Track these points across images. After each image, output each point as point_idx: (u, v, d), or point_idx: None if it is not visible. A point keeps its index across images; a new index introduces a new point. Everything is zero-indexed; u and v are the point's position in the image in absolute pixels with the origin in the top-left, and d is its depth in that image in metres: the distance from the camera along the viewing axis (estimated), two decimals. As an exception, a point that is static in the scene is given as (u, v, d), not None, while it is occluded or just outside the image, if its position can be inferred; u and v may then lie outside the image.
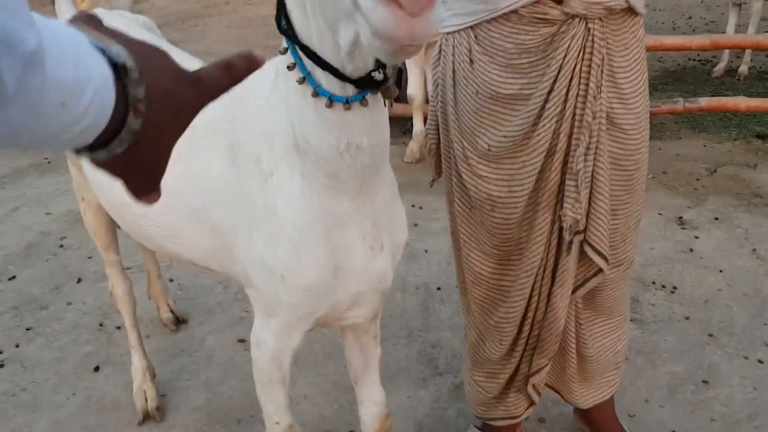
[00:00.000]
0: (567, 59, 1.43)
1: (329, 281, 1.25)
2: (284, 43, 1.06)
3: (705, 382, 2.31)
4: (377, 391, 1.59)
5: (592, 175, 1.50)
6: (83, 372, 2.35)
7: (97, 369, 2.36)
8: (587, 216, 1.51)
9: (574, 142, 1.48)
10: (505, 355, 1.76)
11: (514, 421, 1.87)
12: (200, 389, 2.27)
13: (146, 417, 2.11)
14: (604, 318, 1.78)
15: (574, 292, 1.63)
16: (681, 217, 3.43)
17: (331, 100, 1.02)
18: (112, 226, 2.03)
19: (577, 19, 1.40)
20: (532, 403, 1.83)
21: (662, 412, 2.18)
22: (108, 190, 1.56)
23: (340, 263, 1.24)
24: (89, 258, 3.09)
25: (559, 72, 1.44)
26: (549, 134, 1.49)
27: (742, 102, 4.22)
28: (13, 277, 2.94)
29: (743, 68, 5.88)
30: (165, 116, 0.56)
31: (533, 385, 1.76)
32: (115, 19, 1.77)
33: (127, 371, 2.29)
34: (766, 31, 6.83)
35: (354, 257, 1.25)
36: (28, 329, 2.58)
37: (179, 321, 2.59)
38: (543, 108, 1.46)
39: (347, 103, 1.03)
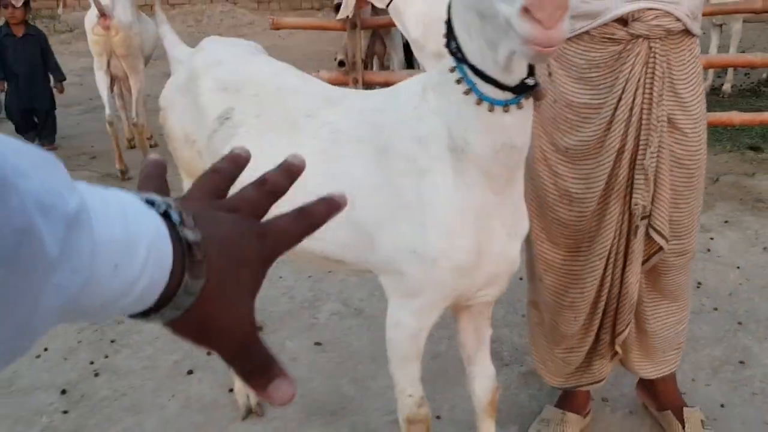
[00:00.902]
0: (632, 73, 1.69)
1: (474, 262, 1.46)
2: (451, 62, 1.30)
3: (741, 362, 2.55)
4: (489, 367, 1.80)
5: (656, 169, 1.76)
6: (177, 377, 2.52)
7: (190, 372, 2.53)
8: (651, 204, 1.77)
9: (642, 142, 1.74)
10: (582, 328, 1.99)
11: (600, 384, 2.11)
12: (290, 387, 2.46)
13: (249, 412, 2.29)
14: (669, 301, 2.01)
15: (643, 264, 1.87)
16: (695, 221, 3.72)
17: (493, 105, 1.26)
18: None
19: (641, 39, 1.67)
20: (612, 357, 2.07)
21: (709, 389, 2.42)
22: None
23: (483, 247, 1.46)
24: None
25: (626, 84, 1.70)
26: (619, 137, 1.75)
27: (736, 116, 4.58)
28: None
29: (727, 86, 6.29)
30: (228, 268, 0.51)
31: (619, 344, 1.99)
32: (228, 46, 1.99)
33: (218, 374, 2.47)
34: (742, 51, 7.30)
35: (494, 242, 1.47)
36: (112, 341, 2.75)
37: (258, 328, 2.76)
38: (613, 115, 1.73)
39: (506, 105, 1.26)
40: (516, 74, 1.24)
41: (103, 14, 4.33)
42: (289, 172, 0.61)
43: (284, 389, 0.53)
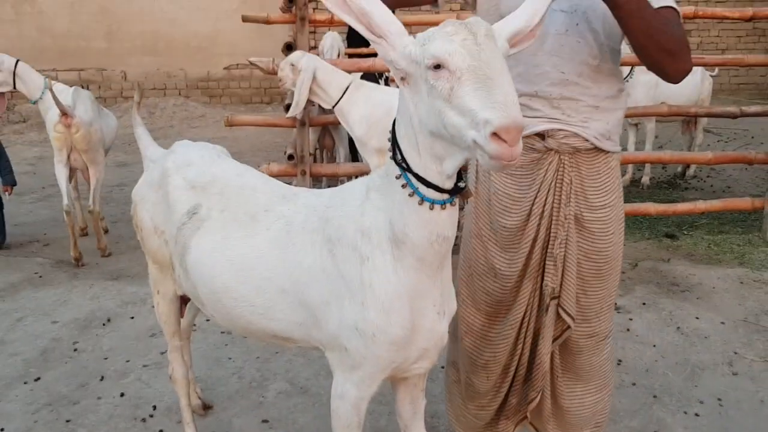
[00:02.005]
0: (545, 177, 2.01)
1: (408, 338, 1.70)
2: (395, 170, 1.56)
3: (656, 432, 2.83)
4: (423, 434, 2.02)
5: (564, 258, 2.05)
6: (130, 454, 2.63)
7: (143, 451, 2.65)
8: (560, 287, 2.05)
9: (552, 234, 2.04)
10: (493, 388, 2.22)
11: None
12: (239, 462, 2.60)
13: (201, 486, 2.42)
14: (584, 383, 2.22)
15: (553, 342, 2.12)
16: (616, 304, 4.06)
17: (433, 204, 1.53)
18: (179, 315, 2.42)
19: (553, 151, 1.99)
20: (519, 421, 2.27)
21: (626, 457, 2.67)
22: (210, 279, 1.98)
23: (416, 324, 1.70)
24: (105, 359, 3.38)
25: (540, 186, 2.02)
26: (534, 228, 2.05)
27: (652, 207, 5.06)
28: (38, 378, 3.19)
29: (645, 179, 6.88)
30: None
31: (530, 410, 2.20)
32: (197, 149, 2.25)
33: (170, 452, 2.60)
34: (659, 147, 7.99)
35: (425, 320, 1.71)
36: (67, 421, 2.84)
37: (206, 407, 2.91)
38: (531, 210, 2.04)
39: (443, 204, 1.54)
40: (452, 180, 1.53)
41: (64, 113, 4.57)
42: None
43: None
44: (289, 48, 4.63)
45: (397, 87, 1.54)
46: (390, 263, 1.64)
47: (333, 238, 1.74)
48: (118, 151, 9.07)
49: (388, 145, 1.60)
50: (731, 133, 9.65)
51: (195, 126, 10.17)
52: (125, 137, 9.83)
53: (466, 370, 2.27)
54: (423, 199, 1.53)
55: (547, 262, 2.06)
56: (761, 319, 3.88)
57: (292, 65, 4.23)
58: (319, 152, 6.15)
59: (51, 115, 4.66)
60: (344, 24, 5.10)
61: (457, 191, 1.55)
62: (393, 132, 1.57)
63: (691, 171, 7.50)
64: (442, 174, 1.49)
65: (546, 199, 2.03)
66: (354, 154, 5.96)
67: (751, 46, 12.79)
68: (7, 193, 5.14)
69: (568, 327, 2.10)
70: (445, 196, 1.54)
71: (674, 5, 1.85)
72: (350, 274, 1.69)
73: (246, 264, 1.90)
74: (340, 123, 4.78)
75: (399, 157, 1.54)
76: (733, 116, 5.18)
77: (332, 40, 5.94)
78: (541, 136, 1.99)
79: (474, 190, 2.17)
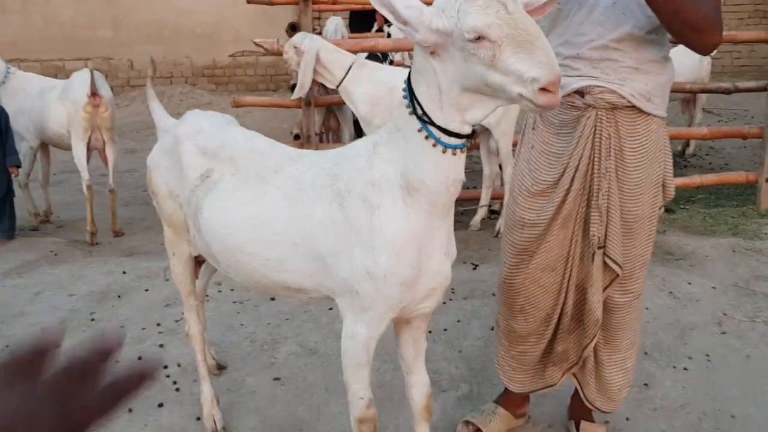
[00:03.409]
0: (584, 132, 2.16)
1: (416, 278, 1.86)
2: (411, 126, 1.71)
3: (646, 385, 2.96)
4: (424, 376, 2.17)
5: (608, 208, 2.18)
6: (149, 409, 2.79)
7: (161, 405, 2.82)
8: (605, 237, 2.19)
9: (595, 186, 2.17)
10: (535, 333, 2.38)
11: (553, 389, 2.51)
12: (252, 415, 2.77)
13: (216, 435, 2.59)
14: (616, 340, 2.36)
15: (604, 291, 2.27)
16: (611, 271, 4.21)
17: (455, 149, 1.70)
18: (194, 276, 2.58)
19: (590, 107, 2.13)
20: (567, 369, 2.43)
21: (617, 408, 2.82)
22: (223, 237, 2.14)
23: (423, 265, 1.86)
24: (121, 327, 3.55)
25: (578, 140, 2.17)
26: (569, 179, 2.20)
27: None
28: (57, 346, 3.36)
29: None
30: None
31: (585, 357, 2.37)
32: (207, 117, 2.41)
33: (186, 406, 2.77)
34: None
35: (433, 261, 1.87)
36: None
37: (220, 367, 3.08)
38: (567, 163, 2.20)
39: (461, 149, 1.71)
40: (470, 127, 1.70)
41: (94, 93, 4.79)
42: (101, 353, 0.59)
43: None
44: (293, 29, 4.78)
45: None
46: (401, 209, 1.79)
47: (342, 192, 1.89)
48: (127, 138, 9.24)
49: (398, 108, 1.77)
50: (731, 114, 9.74)
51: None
52: (134, 125, 10.03)
53: (505, 318, 2.45)
54: (445, 147, 1.69)
55: (592, 213, 2.19)
56: (751, 283, 4.02)
57: (296, 47, 4.37)
58: (325, 134, 6.29)
59: (74, 95, 4.86)
60: (347, 8, 5.22)
61: (470, 136, 1.73)
62: (411, 92, 1.72)
63: (690, 149, 7.61)
64: (465, 122, 1.68)
65: (583, 153, 2.17)
66: (359, 134, 6.10)
67: (752, 28, 12.82)
68: (13, 174, 5.14)
69: (617, 276, 2.23)
70: (462, 141, 1.71)
71: None
72: (360, 222, 1.84)
73: (258, 221, 2.05)
74: (344, 104, 4.93)
75: (420, 111, 1.70)
76: (727, 92, 5.30)
77: (336, 25, 6.08)
78: (580, 93, 2.13)
79: (517, 152, 2.39)
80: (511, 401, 2.62)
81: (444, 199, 1.79)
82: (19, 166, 5.15)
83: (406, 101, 1.73)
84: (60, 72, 11.02)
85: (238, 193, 2.12)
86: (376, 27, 7.64)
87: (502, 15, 1.49)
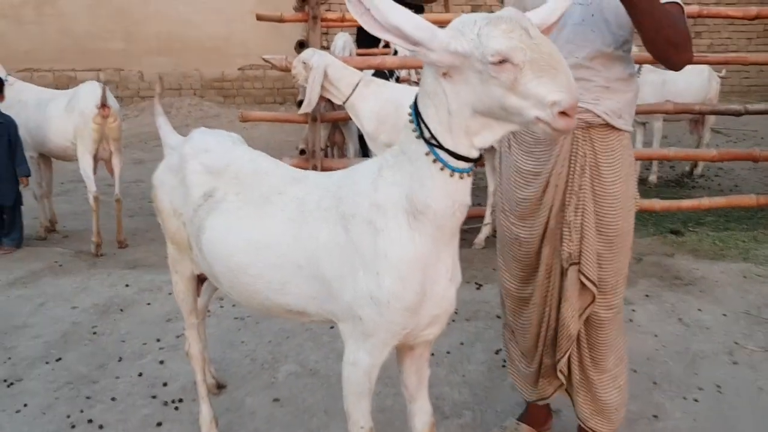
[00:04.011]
0: (561, 151, 2.18)
1: (420, 303, 1.81)
2: (418, 150, 1.69)
3: (655, 416, 2.90)
4: (427, 404, 2.12)
5: (581, 225, 2.19)
6: (147, 427, 2.75)
7: (159, 424, 2.77)
8: (579, 254, 2.19)
9: (567, 201, 2.20)
10: (532, 347, 2.41)
11: (545, 401, 2.52)
12: (251, 437, 2.72)
13: (214, 456, 2.54)
14: (605, 359, 2.34)
15: (580, 316, 2.26)
16: (619, 295, 4.14)
17: (462, 174, 1.67)
18: (195, 294, 2.54)
19: None
20: (559, 386, 2.43)
21: (625, 439, 2.76)
22: (226, 258, 2.10)
23: (428, 290, 1.81)
24: (123, 341, 3.51)
25: (556, 159, 2.19)
26: (551, 197, 2.22)
27: (657, 203, 5.14)
28: (59, 359, 3.33)
29: (652, 177, 6.96)
30: None
31: (560, 370, 2.36)
32: (213, 136, 2.38)
33: (185, 427, 2.73)
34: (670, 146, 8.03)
35: (438, 286, 1.83)
36: (87, 398, 2.97)
37: (220, 386, 3.04)
38: (548, 182, 2.21)
39: (468, 173, 1.69)
40: (478, 151, 1.67)
41: (104, 104, 4.80)
42: None
43: None
44: (301, 45, 4.77)
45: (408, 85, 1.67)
46: (406, 233, 1.76)
47: (347, 214, 1.85)
48: (135, 149, 9.25)
49: (404, 131, 1.74)
50: (740, 134, 9.68)
51: (210, 125, 10.11)
52: (142, 135, 10.04)
53: (511, 328, 2.50)
54: (453, 170, 1.66)
55: (563, 229, 2.22)
56: (763, 311, 3.95)
57: (304, 63, 4.36)
58: (330, 148, 6.28)
59: (82, 107, 4.87)
60: (355, 24, 5.21)
61: (476, 160, 1.70)
62: (418, 115, 1.69)
63: (698, 170, 7.56)
64: (473, 146, 1.65)
65: (562, 170, 2.19)
66: (364, 150, 6.09)
67: (762, 48, 12.80)
68: (23, 184, 5.16)
69: (593, 301, 2.24)
70: (470, 164, 1.68)
71: (679, 1, 2.03)
72: (365, 246, 1.80)
73: (262, 242, 2.02)
74: (349, 120, 4.91)
75: (428, 134, 1.67)
76: (737, 114, 5.25)
77: (344, 41, 6.07)
78: None
79: (498, 170, 2.42)
80: (535, 418, 2.62)
81: (450, 223, 1.75)
82: (28, 176, 5.17)
83: (413, 125, 1.70)
84: (72, 82, 11.06)
85: (242, 213, 2.09)
86: (383, 43, 7.63)
87: (525, 39, 1.49)
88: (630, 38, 2.15)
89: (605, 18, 2.07)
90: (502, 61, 1.49)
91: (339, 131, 5.87)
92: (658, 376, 3.22)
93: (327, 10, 4.87)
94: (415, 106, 1.71)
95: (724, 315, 3.90)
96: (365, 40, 7.23)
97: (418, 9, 7.70)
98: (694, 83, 6.71)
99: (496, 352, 3.34)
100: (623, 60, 2.17)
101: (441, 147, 1.65)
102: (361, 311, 1.84)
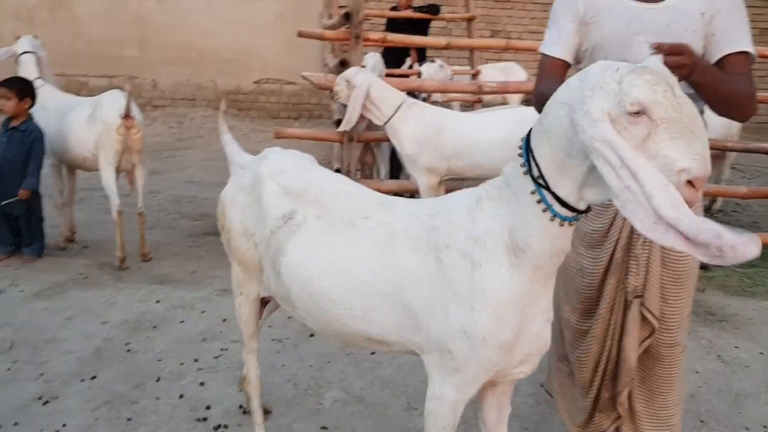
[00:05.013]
0: None
1: (515, 342, 1.77)
2: (525, 185, 1.64)
3: (706, 455, 2.87)
4: (507, 442, 2.07)
5: (648, 259, 2.16)
6: (195, 453, 2.68)
7: (206, 450, 2.70)
8: (644, 287, 2.16)
9: (635, 236, 2.16)
10: (588, 381, 2.36)
11: None
12: (302, 466, 2.65)
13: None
14: (662, 396, 2.30)
15: (640, 345, 2.22)
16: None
17: (564, 221, 1.61)
18: (258, 318, 2.48)
19: None
20: (616, 419, 2.38)
21: (679, 480, 2.70)
22: (307, 282, 2.04)
23: (523, 329, 1.77)
24: (159, 360, 3.43)
25: None
26: (617, 230, 2.20)
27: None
28: (94, 377, 3.24)
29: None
30: None
31: (620, 403, 2.30)
32: (289, 156, 2.32)
33: (233, 452, 2.65)
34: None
35: (533, 326, 1.79)
36: (128, 419, 2.89)
37: (266, 411, 2.95)
38: (616, 214, 2.19)
39: (572, 221, 1.63)
40: (586, 203, 1.61)
41: (128, 115, 4.71)
42: None
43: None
44: (342, 65, 4.74)
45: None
46: (506, 269, 1.71)
47: (440, 245, 1.80)
48: (148, 159, 9.14)
49: (511, 164, 1.70)
50: (754, 170, 9.73)
51: (222, 137, 10.30)
52: (154, 145, 9.96)
53: (570, 362, 2.44)
54: (555, 216, 1.61)
55: (630, 263, 2.19)
56: (799, 351, 3.92)
57: (347, 81, 4.33)
58: (360, 169, 6.25)
59: (105, 116, 4.78)
60: (396, 44, 5.17)
61: (583, 212, 1.63)
62: (528, 149, 1.64)
63: (717, 205, 7.55)
64: (582, 199, 1.59)
65: None
66: (393, 172, 6.06)
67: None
68: (21, 196, 4.84)
69: (654, 330, 2.20)
70: (574, 214, 1.62)
71: (750, 49, 2.05)
72: (459, 279, 1.75)
73: (346, 268, 1.96)
74: (382, 140, 4.87)
75: (537, 173, 1.62)
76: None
77: (374, 61, 6.05)
78: None
79: None
80: None
81: (547, 266, 1.72)
82: (32, 190, 4.92)
83: (522, 159, 1.66)
84: (83, 88, 11.00)
85: (325, 237, 2.04)
86: (408, 63, 7.64)
87: (669, 96, 1.42)
88: None
89: None
90: (639, 113, 1.41)
91: (370, 151, 5.84)
92: (704, 414, 3.18)
93: (368, 30, 4.83)
94: (527, 141, 1.67)
95: (761, 353, 3.86)
96: (390, 60, 7.22)
97: (433, 8, 7.70)
98: (717, 120, 6.70)
99: (541, 385, 3.28)
100: (694, 98, 2.15)
101: (548, 189, 1.60)
102: (452, 345, 1.79)
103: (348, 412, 3.03)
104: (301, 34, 4.66)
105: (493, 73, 7.58)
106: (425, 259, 1.84)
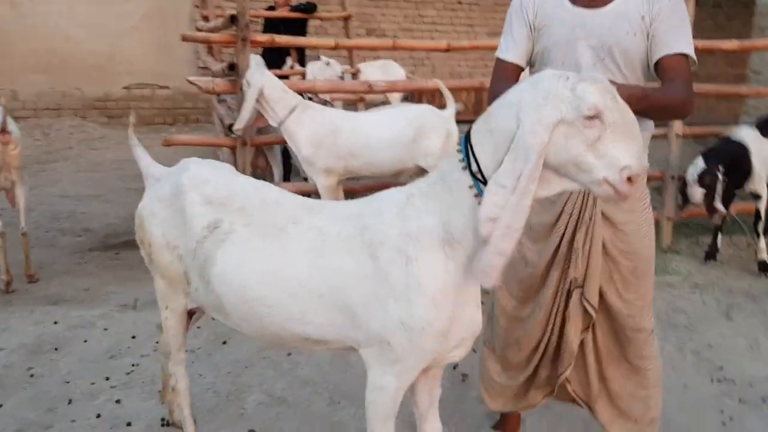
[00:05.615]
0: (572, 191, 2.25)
1: (449, 328, 1.89)
2: (462, 181, 1.76)
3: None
4: (438, 423, 2.19)
5: (589, 251, 2.33)
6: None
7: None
8: (584, 279, 2.35)
9: (578, 229, 2.34)
10: (524, 361, 2.54)
11: (533, 408, 2.67)
12: (236, 471, 2.67)
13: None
14: (639, 377, 2.47)
15: (582, 331, 2.42)
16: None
17: None
18: (185, 330, 2.47)
19: None
20: (548, 393, 2.58)
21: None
22: (240, 290, 2.08)
23: (457, 315, 1.90)
24: (67, 382, 3.30)
25: (569, 195, 2.32)
26: (563, 225, 2.36)
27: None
28: (1, 406, 3.08)
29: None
30: None
31: (565, 379, 2.48)
32: (210, 166, 2.33)
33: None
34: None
35: (467, 311, 1.93)
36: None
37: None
38: (562, 210, 2.35)
39: None
40: None
41: (3, 130, 4.42)
42: None
43: None
44: (231, 68, 4.71)
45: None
46: (442, 262, 1.83)
47: (374, 243, 1.89)
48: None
49: (448, 160, 1.83)
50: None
51: (95, 148, 9.74)
52: (21, 159, 9.31)
53: (500, 346, 2.59)
54: None
55: (572, 256, 2.36)
56: (664, 316, 4.35)
57: (246, 81, 4.36)
58: (252, 172, 6.21)
59: None
60: (287, 44, 5.14)
61: None
62: (468, 148, 1.76)
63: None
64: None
65: (576, 202, 2.34)
66: (286, 175, 6.08)
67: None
68: None
69: (592, 318, 2.39)
70: None
71: (688, 50, 2.15)
72: (395, 274, 1.85)
73: (280, 273, 2.02)
74: (277, 143, 4.89)
75: (475, 168, 1.74)
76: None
77: (257, 63, 6.01)
78: None
79: None
80: (510, 426, 2.83)
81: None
82: None
83: (460, 155, 1.78)
84: (-70, 100, 10.06)
85: (256, 244, 2.08)
86: (289, 64, 7.64)
87: (614, 102, 1.62)
88: (642, 81, 2.28)
89: (615, 61, 2.22)
90: (594, 117, 1.59)
91: (263, 155, 5.82)
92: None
93: (255, 31, 4.82)
94: (466, 138, 1.79)
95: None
96: (270, 61, 7.20)
97: (309, 7, 7.75)
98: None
99: (454, 368, 3.46)
100: None
101: (486, 183, 1.71)
102: (390, 338, 1.88)
103: (272, 413, 3.07)
104: (185, 38, 4.59)
105: (372, 70, 7.74)
106: (360, 258, 1.92)
